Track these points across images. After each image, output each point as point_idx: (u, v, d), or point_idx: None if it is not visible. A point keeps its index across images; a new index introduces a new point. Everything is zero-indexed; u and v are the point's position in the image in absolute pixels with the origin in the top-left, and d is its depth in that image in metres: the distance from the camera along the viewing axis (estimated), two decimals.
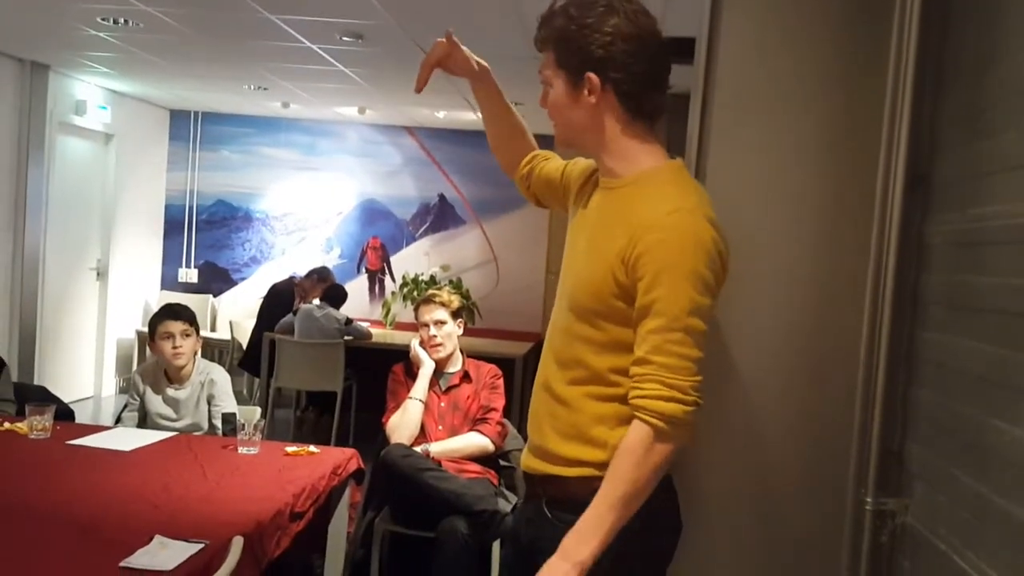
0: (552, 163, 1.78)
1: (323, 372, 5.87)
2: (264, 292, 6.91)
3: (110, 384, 7.26)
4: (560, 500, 1.52)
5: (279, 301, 6.53)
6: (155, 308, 7.47)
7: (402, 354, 3.62)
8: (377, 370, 4.51)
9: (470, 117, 6.86)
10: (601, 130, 1.50)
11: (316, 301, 6.17)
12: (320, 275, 6.63)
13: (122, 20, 4.51)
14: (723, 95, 1.73)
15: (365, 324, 6.47)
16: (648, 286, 1.39)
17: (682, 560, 1.57)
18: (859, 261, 1.66)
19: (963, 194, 1.49)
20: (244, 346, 6.71)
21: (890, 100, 1.62)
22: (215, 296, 7.85)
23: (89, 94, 6.62)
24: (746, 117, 1.73)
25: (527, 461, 1.61)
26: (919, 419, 1.60)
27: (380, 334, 6.64)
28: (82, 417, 4.13)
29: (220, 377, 3.41)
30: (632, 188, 1.49)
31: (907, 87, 1.58)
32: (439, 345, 3.43)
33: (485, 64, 1.78)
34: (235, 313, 7.57)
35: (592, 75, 1.46)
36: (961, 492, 1.40)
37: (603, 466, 1.45)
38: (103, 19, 4.52)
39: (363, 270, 7.84)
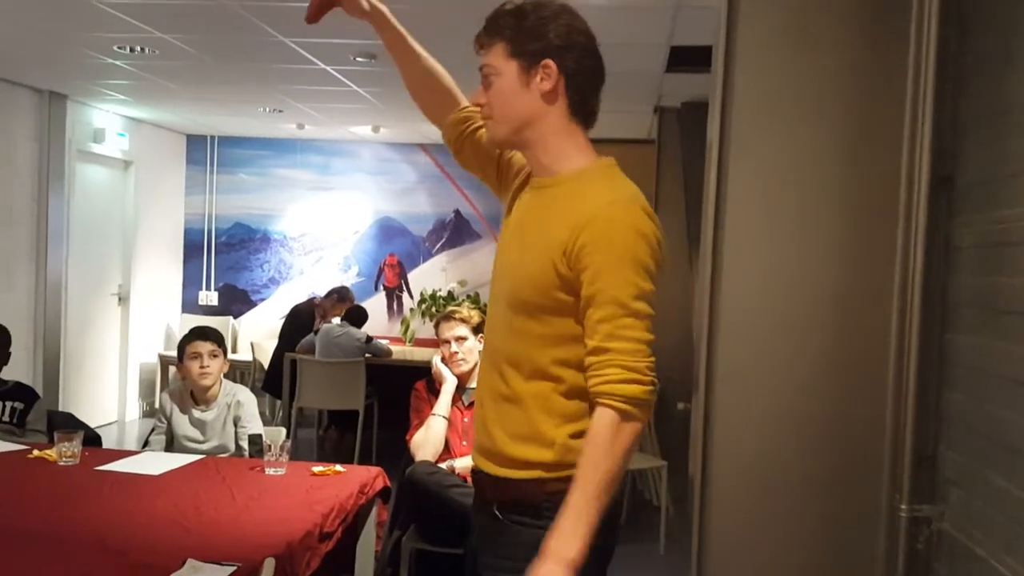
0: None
1: (345, 391, 5.88)
2: (284, 312, 6.94)
3: (134, 408, 7.30)
4: (511, 503, 1.54)
5: (300, 322, 6.56)
6: (177, 332, 7.61)
7: (423, 371, 3.63)
8: (398, 387, 4.51)
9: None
10: (543, 122, 1.53)
11: (336, 320, 6.19)
12: (340, 295, 6.66)
13: (138, 48, 4.57)
14: (741, 101, 1.73)
15: (385, 342, 6.48)
16: (593, 276, 1.43)
17: (715, 565, 1.56)
18: (885, 265, 1.65)
19: (989, 195, 1.48)
20: (265, 366, 6.74)
21: (911, 102, 1.61)
22: (235, 318, 7.89)
23: (107, 122, 6.70)
24: (766, 123, 1.73)
25: (476, 461, 1.63)
26: (952, 423, 1.58)
27: (400, 351, 6.65)
28: (107, 442, 4.16)
29: (246, 398, 3.43)
30: (569, 186, 1.53)
31: (928, 89, 1.57)
32: (461, 361, 3.43)
33: (380, 6, 1.78)
34: (256, 334, 7.61)
35: (551, 61, 1.50)
36: (998, 496, 1.38)
37: (553, 467, 1.49)
38: (119, 47, 4.58)
39: (381, 288, 7.87)
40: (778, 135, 1.71)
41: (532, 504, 1.51)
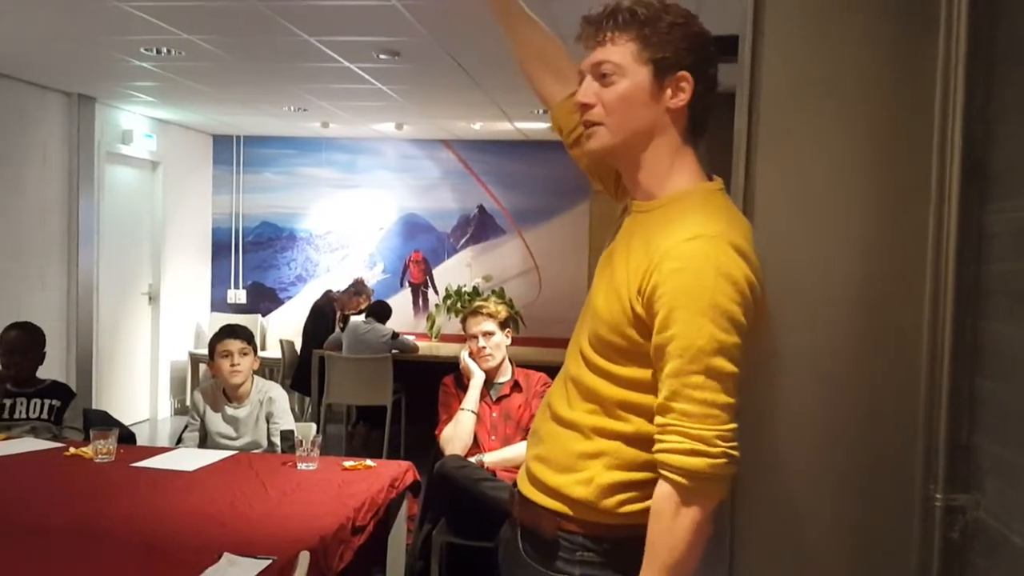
0: None
1: (372, 387, 5.92)
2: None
3: (165, 406, 7.40)
4: (530, 530, 1.43)
5: (321, 318, 6.62)
6: (206, 330, 7.70)
7: (449, 366, 3.64)
8: (425, 383, 4.54)
9: (506, 127, 6.89)
10: (659, 140, 1.37)
11: (362, 317, 6.24)
12: (356, 288, 6.71)
13: (164, 50, 4.62)
14: (770, 91, 1.71)
15: (411, 337, 6.52)
16: (663, 323, 1.26)
17: (747, 558, 1.56)
18: (917, 253, 1.63)
19: (1022, 182, 1.46)
20: (294, 364, 6.80)
21: (941, 88, 1.59)
22: (263, 316, 7.96)
23: (135, 123, 6.79)
24: (794, 112, 1.71)
25: (519, 477, 1.52)
26: (987, 412, 1.57)
27: (426, 347, 6.69)
28: (140, 439, 4.21)
29: (278, 395, 3.48)
30: (661, 212, 1.36)
31: (959, 75, 1.55)
32: (488, 356, 3.44)
33: None
34: (284, 332, 7.68)
35: (689, 75, 1.33)
36: None
37: (579, 507, 1.35)
38: (146, 50, 4.63)
39: (406, 284, 7.90)
40: (807, 124, 1.70)
41: (545, 538, 1.39)
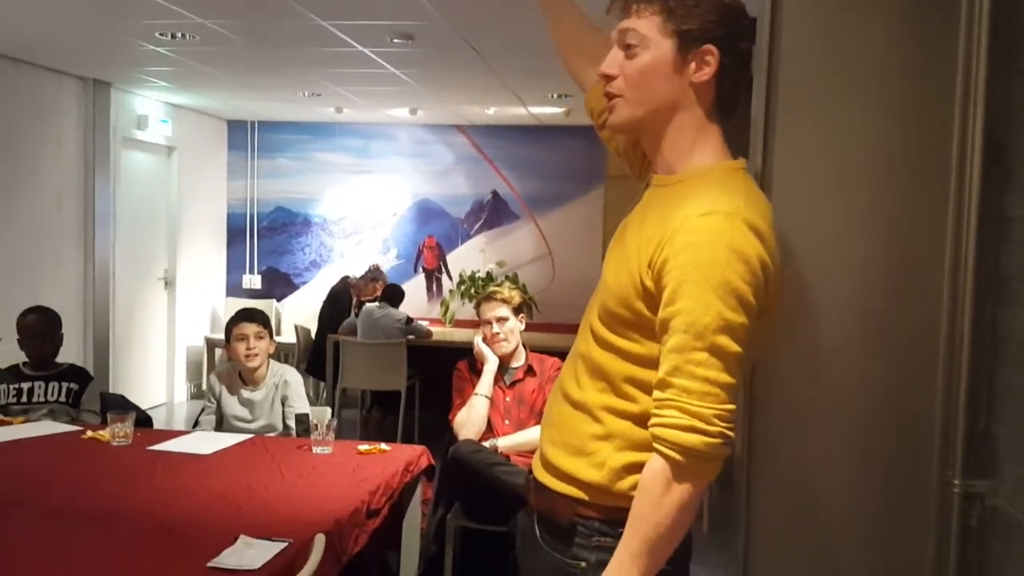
0: None
1: (387, 372, 5.94)
2: (325, 295, 7.02)
3: (181, 390, 7.45)
4: (546, 517, 1.42)
5: (337, 303, 6.64)
6: (222, 315, 7.74)
7: (463, 351, 3.65)
8: (439, 368, 4.55)
9: (520, 112, 6.87)
10: (682, 115, 1.33)
11: (376, 302, 6.25)
12: (372, 275, 6.72)
13: (179, 34, 4.62)
14: (788, 74, 1.69)
15: (425, 323, 6.53)
16: (670, 297, 1.23)
17: (763, 546, 1.55)
18: (937, 239, 1.61)
19: None
20: (308, 349, 6.83)
21: (963, 72, 1.57)
22: (278, 301, 8.00)
23: (150, 109, 6.80)
24: (812, 97, 1.69)
25: (535, 458, 1.50)
26: (1006, 399, 1.55)
27: (440, 332, 6.70)
28: (156, 423, 4.25)
29: (294, 378, 3.50)
30: (678, 187, 1.33)
31: (981, 58, 1.53)
32: (502, 341, 3.44)
33: None
34: (299, 317, 7.71)
35: (714, 48, 1.29)
36: None
37: (593, 491, 1.34)
38: (160, 34, 4.64)
39: (420, 269, 7.91)
40: (825, 109, 1.68)
41: (561, 524, 1.37)
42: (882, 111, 1.66)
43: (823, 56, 1.68)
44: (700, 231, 1.22)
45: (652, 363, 1.29)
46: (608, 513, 1.35)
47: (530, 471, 1.52)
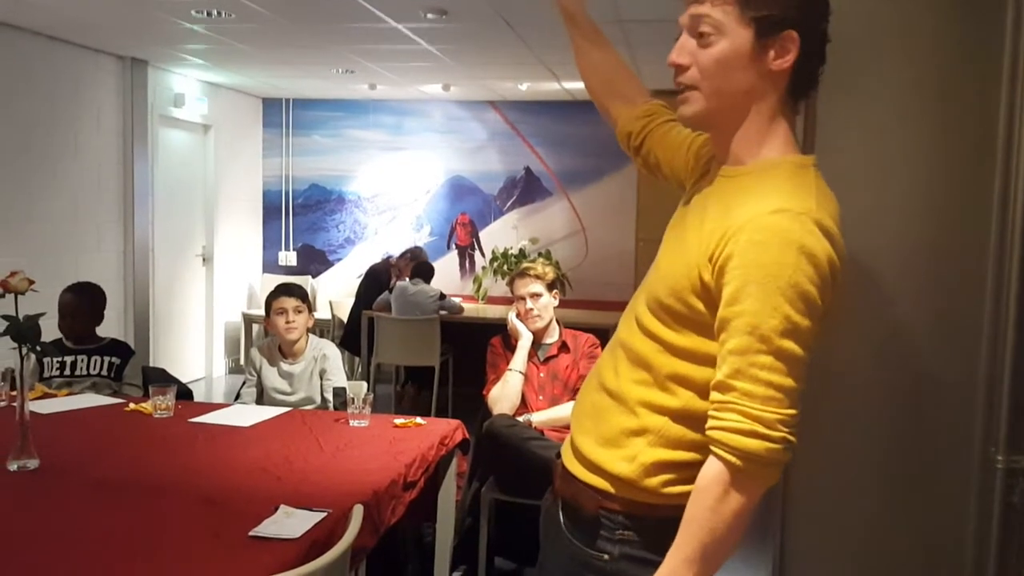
0: (677, 132, 1.53)
1: (420, 347, 5.98)
2: (360, 272, 7.08)
3: (220, 365, 7.57)
4: (571, 505, 1.40)
5: (376, 281, 6.69)
6: (259, 291, 7.82)
7: (496, 328, 3.66)
8: (472, 345, 4.57)
9: (554, 87, 6.82)
10: (757, 105, 1.27)
11: (408, 279, 6.29)
12: (413, 254, 6.76)
13: (214, 11, 4.65)
14: (833, 43, 1.66)
15: (457, 299, 6.55)
16: (733, 296, 1.18)
17: (799, 527, 1.55)
18: (983, 215, 1.58)
19: None
20: (343, 324, 6.90)
21: (1011, 48, 1.53)
22: (313, 277, 8.07)
23: (186, 87, 6.87)
24: (858, 64, 1.66)
25: (563, 448, 1.49)
26: None
27: (473, 308, 6.72)
28: (196, 397, 4.32)
29: (332, 352, 3.56)
30: (745, 179, 1.27)
31: None
32: (536, 317, 3.45)
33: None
34: (333, 293, 7.78)
35: (795, 34, 1.22)
36: None
37: (621, 484, 1.32)
38: (196, 12, 4.67)
39: (453, 246, 7.93)
40: (872, 77, 1.65)
41: (586, 515, 1.36)
42: (931, 84, 1.63)
43: (864, 34, 1.65)
44: (769, 230, 1.17)
45: (696, 358, 1.27)
46: (633, 508, 1.33)
47: (558, 455, 1.50)
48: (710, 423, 1.21)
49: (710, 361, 1.24)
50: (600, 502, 1.34)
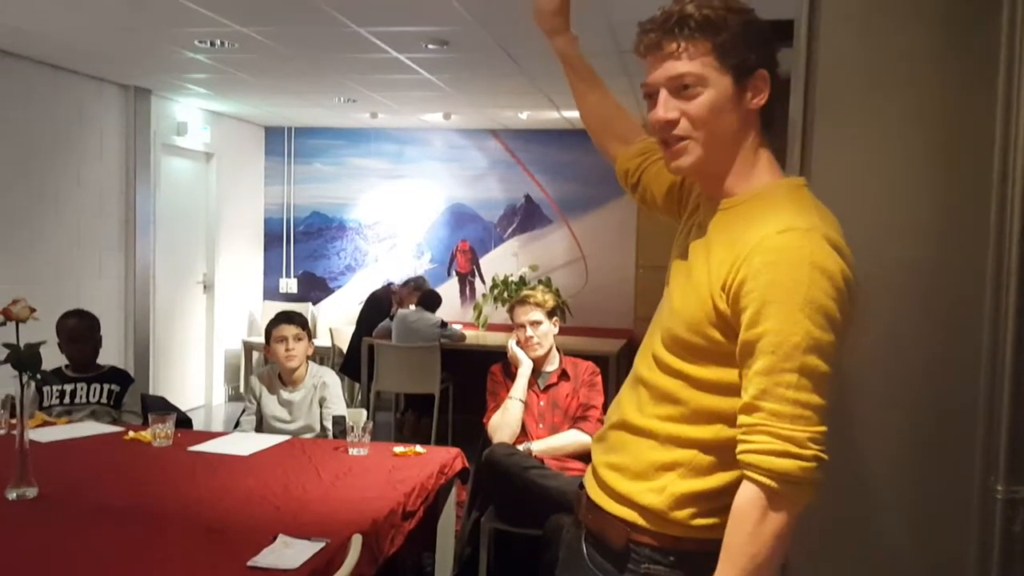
0: None
1: (421, 375, 5.98)
2: (360, 299, 7.08)
3: (220, 393, 7.55)
4: (597, 536, 1.40)
5: (377, 308, 6.69)
6: (259, 319, 7.82)
7: (496, 355, 3.66)
8: (472, 372, 4.57)
9: (553, 116, 6.88)
10: (742, 142, 1.33)
11: (412, 307, 6.30)
12: (416, 284, 6.77)
13: (218, 42, 4.70)
14: (826, 76, 1.68)
15: (458, 327, 6.56)
16: (753, 319, 1.19)
17: (799, 563, 1.54)
18: (979, 241, 1.59)
19: None
20: (343, 351, 6.90)
21: (1005, 69, 1.55)
22: (314, 304, 8.08)
23: (189, 115, 6.92)
24: (851, 99, 1.68)
25: (587, 473, 1.48)
26: None
27: (473, 336, 6.72)
28: (195, 425, 4.31)
29: (332, 380, 3.56)
30: (744, 207, 1.31)
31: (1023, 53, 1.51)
32: (536, 345, 3.45)
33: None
34: (334, 320, 7.78)
35: (766, 72, 1.29)
36: None
37: (648, 514, 1.32)
38: (200, 42, 4.72)
39: (453, 273, 7.95)
40: (864, 111, 1.67)
41: (613, 547, 1.35)
42: (924, 110, 1.65)
43: (862, 57, 1.67)
44: (780, 249, 1.19)
45: (721, 389, 1.28)
46: (661, 540, 1.33)
47: (581, 486, 1.50)
48: (740, 447, 1.21)
49: (735, 391, 1.24)
50: (629, 534, 1.34)
